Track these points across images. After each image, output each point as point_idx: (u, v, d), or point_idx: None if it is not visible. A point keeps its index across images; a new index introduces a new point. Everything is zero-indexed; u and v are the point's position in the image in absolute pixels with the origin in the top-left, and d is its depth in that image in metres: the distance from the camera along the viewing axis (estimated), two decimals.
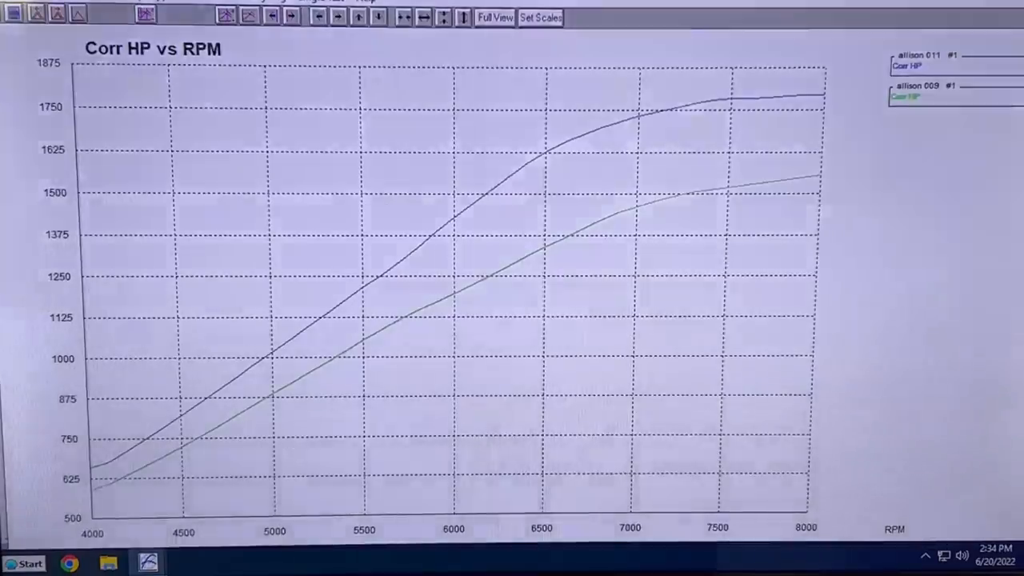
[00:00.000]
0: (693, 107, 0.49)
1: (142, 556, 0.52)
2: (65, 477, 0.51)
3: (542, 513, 0.53)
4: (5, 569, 0.52)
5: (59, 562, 0.52)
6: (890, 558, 0.53)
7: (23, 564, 0.52)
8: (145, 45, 0.48)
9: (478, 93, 0.49)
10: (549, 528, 0.53)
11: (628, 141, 0.49)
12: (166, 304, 0.50)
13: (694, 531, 0.53)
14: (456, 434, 0.52)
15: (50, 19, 0.48)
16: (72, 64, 0.48)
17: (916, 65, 0.49)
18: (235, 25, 0.48)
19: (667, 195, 0.50)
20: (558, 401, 0.51)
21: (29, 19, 0.48)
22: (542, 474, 0.52)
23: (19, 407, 0.50)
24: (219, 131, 0.49)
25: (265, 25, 0.48)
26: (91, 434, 0.51)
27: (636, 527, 0.53)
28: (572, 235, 0.50)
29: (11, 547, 0.52)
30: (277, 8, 0.48)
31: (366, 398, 0.51)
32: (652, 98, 0.49)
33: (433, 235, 0.50)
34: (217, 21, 0.48)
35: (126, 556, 0.52)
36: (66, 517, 0.52)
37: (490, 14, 0.48)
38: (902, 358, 0.51)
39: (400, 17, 0.48)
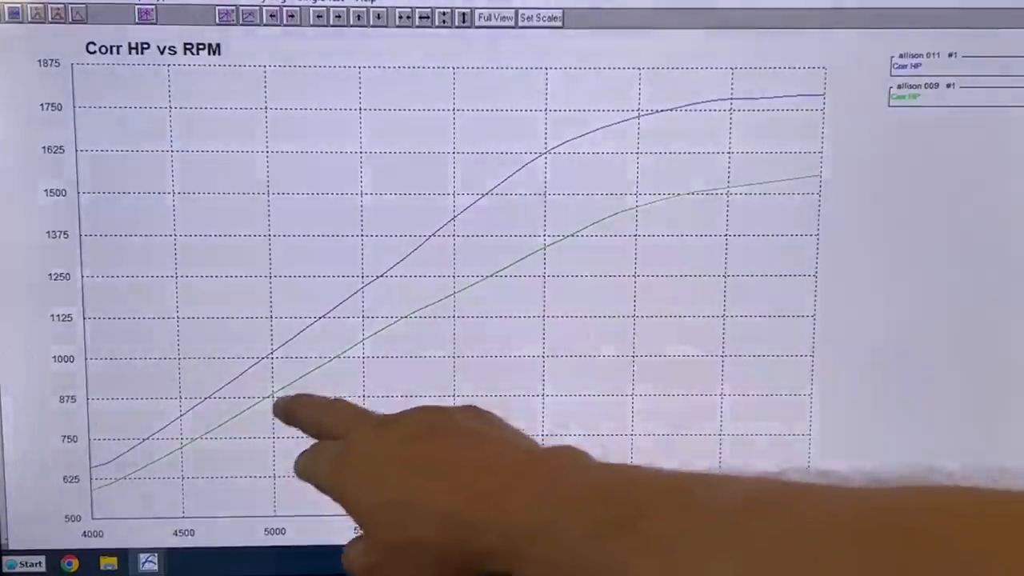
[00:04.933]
0: (693, 107, 0.49)
1: (142, 556, 0.52)
2: (65, 477, 0.51)
3: None
4: (5, 569, 0.52)
5: (59, 562, 0.52)
6: None
7: (23, 564, 0.52)
8: (145, 45, 0.48)
9: (478, 93, 0.49)
10: None
11: (628, 141, 0.49)
12: (166, 304, 0.50)
13: None
14: None
15: (50, 19, 0.48)
16: (72, 64, 0.48)
17: (916, 65, 0.49)
18: (235, 25, 0.48)
19: (667, 195, 0.50)
20: (558, 401, 0.51)
21: (29, 19, 0.47)
22: None
23: (19, 407, 0.50)
24: (219, 131, 0.49)
25: (265, 25, 0.48)
26: (91, 434, 0.51)
27: None
28: (572, 235, 0.50)
29: (11, 547, 0.52)
30: (277, 8, 0.48)
31: (366, 398, 0.51)
32: (652, 98, 0.49)
33: (433, 235, 0.50)
34: (217, 21, 0.48)
35: (126, 556, 0.52)
36: (66, 517, 0.52)
37: (490, 14, 0.48)
38: (902, 358, 0.51)
39: (400, 17, 0.48)
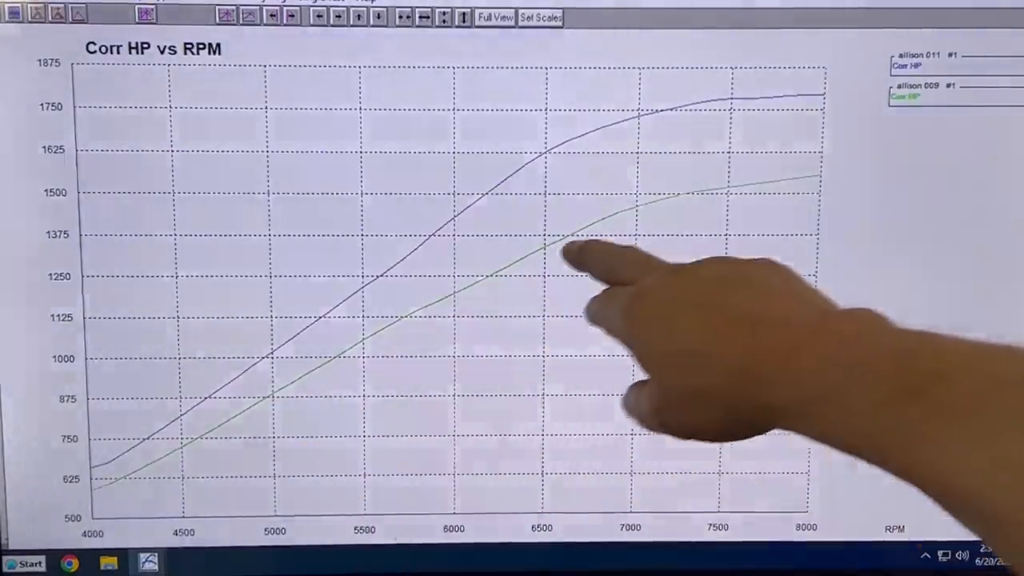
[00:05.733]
0: (693, 107, 0.49)
1: (142, 556, 0.52)
2: (65, 477, 0.51)
3: (542, 513, 0.53)
4: (5, 569, 0.52)
5: (59, 562, 0.52)
6: (890, 557, 0.53)
7: (23, 564, 0.52)
8: (145, 45, 0.48)
9: (478, 93, 0.49)
10: (549, 528, 0.53)
11: (628, 141, 0.49)
12: (166, 304, 0.50)
13: (694, 531, 0.53)
14: (456, 434, 0.52)
15: (50, 19, 0.48)
16: (72, 64, 0.48)
17: (916, 65, 0.49)
18: (235, 25, 0.48)
19: (667, 195, 0.50)
20: (558, 401, 0.51)
21: (29, 19, 0.47)
22: (542, 474, 0.52)
23: (19, 407, 0.50)
24: (219, 131, 0.49)
25: (265, 25, 0.48)
26: (91, 434, 0.51)
27: (636, 527, 0.53)
28: (572, 235, 0.50)
29: (11, 547, 0.52)
30: (277, 8, 0.48)
31: (366, 398, 0.51)
32: (652, 98, 0.49)
33: (433, 235, 0.50)
34: (217, 21, 0.48)
35: (126, 556, 0.52)
36: (66, 517, 0.52)
37: (490, 14, 0.48)
38: None
39: (400, 17, 0.48)
